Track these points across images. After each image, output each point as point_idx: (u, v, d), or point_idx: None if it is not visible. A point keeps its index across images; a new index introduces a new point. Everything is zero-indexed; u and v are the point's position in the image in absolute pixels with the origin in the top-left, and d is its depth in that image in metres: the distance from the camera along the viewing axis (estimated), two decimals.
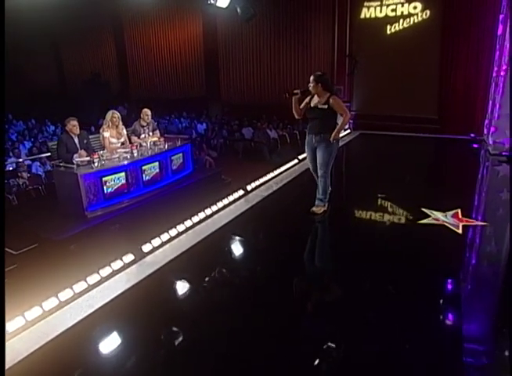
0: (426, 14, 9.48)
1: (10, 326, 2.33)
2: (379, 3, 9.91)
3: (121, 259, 3.03)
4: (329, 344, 2.27)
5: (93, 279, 2.79)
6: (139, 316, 2.63)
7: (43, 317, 2.46)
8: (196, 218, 4.00)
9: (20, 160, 6.72)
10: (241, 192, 4.92)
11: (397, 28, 9.84)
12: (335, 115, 4.05)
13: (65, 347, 2.31)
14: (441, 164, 7.70)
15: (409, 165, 6.93)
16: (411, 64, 9.65)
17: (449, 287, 2.97)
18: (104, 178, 4.34)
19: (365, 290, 2.88)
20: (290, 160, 6.57)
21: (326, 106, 3.96)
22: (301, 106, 4.15)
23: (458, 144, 8.66)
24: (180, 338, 2.39)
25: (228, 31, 12.49)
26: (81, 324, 2.48)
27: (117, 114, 4.97)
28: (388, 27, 9.90)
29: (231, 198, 4.65)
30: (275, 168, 6.06)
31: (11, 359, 2.14)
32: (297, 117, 4.21)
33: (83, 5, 12.84)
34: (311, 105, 4.09)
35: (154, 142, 5.12)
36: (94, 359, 2.27)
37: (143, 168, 4.81)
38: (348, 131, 10.33)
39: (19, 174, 6.10)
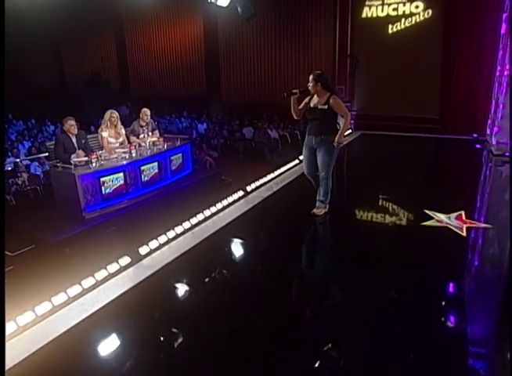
0: (428, 13, 9.41)
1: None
2: (380, 2, 9.85)
3: (117, 262, 2.97)
4: (330, 345, 2.25)
5: (88, 282, 2.72)
6: (136, 321, 2.57)
7: (35, 322, 2.40)
8: (194, 220, 3.94)
9: (17, 160, 6.67)
10: (241, 193, 4.85)
11: (398, 28, 9.77)
12: (335, 115, 3.94)
13: (57, 354, 2.25)
14: (443, 164, 7.62)
15: (411, 166, 6.86)
16: (413, 64, 9.59)
17: (453, 290, 2.92)
18: (102, 179, 4.28)
19: (366, 292, 2.83)
20: (291, 161, 6.50)
21: (326, 107, 3.84)
22: (300, 106, 4.04)
23: (460, 144, 8.59)
24: (179, 342, 2.34)
25: (229, 31, 12.43)
26: (74, 330, 2.42)
27: (116, 114, 4.91)
28: (390, 26, 9.84)
29: (231, 199, 4.59)
30: (276, 169, 6.00)
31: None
32: (295, 117, 4.09)
33: (83, 5, 12.80)
34: (311, 105, 3.97)
35: (153, 142, 5.06)
36: (87, 367, 2.21)
37: (142, 168, 4.75)
38: (350, 131, 10.25)
39: (19, 174, 6.06)
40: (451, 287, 2.92)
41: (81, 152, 4.50)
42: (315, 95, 3.95)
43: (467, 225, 3.82)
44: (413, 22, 9.58)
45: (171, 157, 5.23)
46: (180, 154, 5.42)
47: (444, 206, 4.24)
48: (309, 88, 3.91)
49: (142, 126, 5.34)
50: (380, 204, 4.70)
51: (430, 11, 9.36)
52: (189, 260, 3.37)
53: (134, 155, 4.66)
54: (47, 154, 5.53)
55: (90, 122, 10.01)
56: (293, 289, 2.95)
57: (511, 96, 6.66)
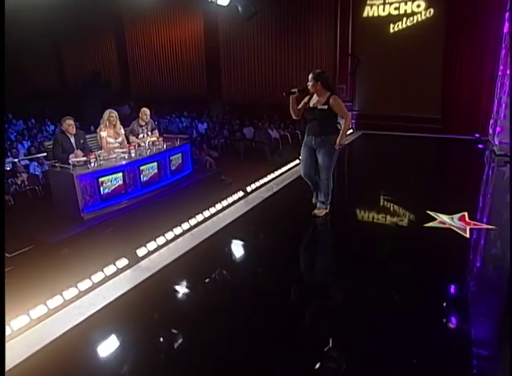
0: (429, 12, 9.35)
1: None
2: (382, 1, 9.79)
3: (115, 264, 2.92)
4: (330, 346, 2.25)
5: (85, 285, 2.68)
6: (134, 323, 2.53)
7: (30, 326, 2.35)
8: (193, 221, 3.89)
9: (16, 160, 6.63)
10: (241, 193, 4.81)
11: (400, 27, 9.71)
12: (336, 116, 3.83)
13: (53, 358, 2.20)
14: (445, 164, 7.57)
15: (413, 166, 6.80)
16: (414, 63, 9.53)
17: (456, 291, 2.87)
18: (101, 179, 4.24)
19: (367, 293, 2.80)
20: (292, 161, 6.45)
21: (325, 107, 3.74)
22: (299, 106, 3.93)
23: (462, 144, 8.53)
24: (178, 344, 2.30)
25: (230, 30, 12.38)
26: (69, 333, 2.37)
27: (115, 114, 4.86)
28: (391, 25, 9.77)
29: (231, 200, 4.54)
30: (277, 169, 5.95)
31: None
32: (294, 117, 4.00)
33: (83, 4, 12.78)
34: (310, 105, 3.87)
35: (153, 142, 5.02)
36: (84, 372, 2.16)
37: (141, 168, 4.70)
38: (351, 131, 10.20)
39: (18, 174, 6.03)
40: (453, 289, 2.88)
41: (79, 152, 4.45)
42: (315, 95, 3.85)
43: (471, 226, 3.77)
44: (415, 21, 9.51)
45: (171, 157, 5.18)
46: (180, 154, 5.37)
47: (446, 207, 4.18)
48: (309, 87, 3.81)
49: (141, 126, 5.29)
50: (382, 204, 4.65)
51: (431, 10, 9.30)
52: (188, 261, 3.32)
53: (133, 155, 4.62)
54: (45, 154, 5.50)
55: (90, 122, 9.97)
56: (293, 290, 2.93)
57: (511, 96, 6.62)
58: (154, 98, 13.56)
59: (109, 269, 2.89)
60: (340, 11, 10.37)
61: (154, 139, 5.12)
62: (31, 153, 7.51)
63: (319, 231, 4.08)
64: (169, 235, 3.57)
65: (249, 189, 4.99)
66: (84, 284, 2.67)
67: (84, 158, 4.27)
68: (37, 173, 6.46)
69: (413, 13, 9.49)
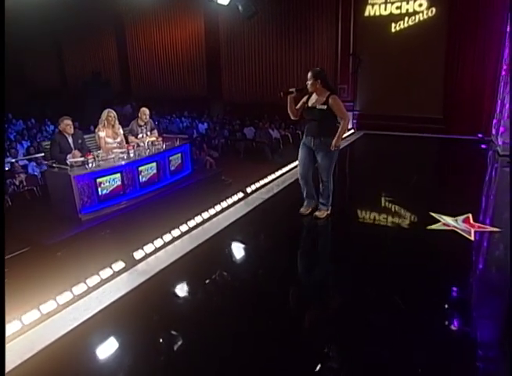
0: (431, 12, 9.28)
1: None
2: (383, 0, 9.73)
3: (111, 267, 2.85)
4: (331, 346, 2.24)
5: (79, 289, 2.61)
6: (131, 328, 2.47)
7: (22, 332, 2.28)
8: (192, 223, 3.82)
9: (13, 160, 6.58)
10: (241, 194, 4.74)
11: (402, 26, 9.65)
12: (335, 116, 3.69)
13: (46, 365, 2.14)
14: (448, 165, 7.48)
15: (415, 167, 6.73)
16: (416, 63, 9.47)
17: (459, 294, 2.82)
18: (98, 180, 4.18)
19: (369, 296, 2.75)
20: (293, 161, 6.37)
21: (325, 107, 3.60)
22: (298, 106, 3.81)
23: (465, 145, 8.46)
24: (177, 346, 2.24)
25: (230, 29, 12.33)
26: (63, 339, 2.30)
27: (113, 113, 4.80)
28: (393, 25, 9.71)
29: (230, 201, 4.48)
30: (277, 169, 5.88)
31: None
32: (292, 117, 3.88)
33: (84, 4, 12.75)
34: (309, 105, 3.74)
35: (152, 142, 4.96)
36: None
37: (140, 168, 4.64)
38: (352, 131, 10.14)
39: (17, 175, 5.97)
40: (457, 292, 2.83)
41: (77, 152, 4.40)
42: (314, 94, 3.73)
43: (476, 229, 3.69)
44: (417, 20, 9.45)
45: (170, 158, 5.12)
46: (179, 154, 5.31)
47: (450, 208, 4.11)
48: (308, 86, 3.68)
49: (140, 126, 5.23)
50: (384, 206, 4.59)
51: (433, 9, 9.23)
52: (187, 264, 3.27)
53: (131, 155, 4.56)
54: (43, 154, 5.44)
55: (90, 122, 9.91)
56: (294, 291, 2.91)
57: (511, 96, 6.55)
58: (154, 98, 13.51)
59: (106, 273, 2.82)
60: (341, 10, 10.30)
61: (153, 139, 5.07)
62: (30, 154, 7.46)
63: (320, 233, 4.02)
64: (167, 237, 3.50)
65: (249, 190, 4.92)
66: (80, 288, 2.61)
67: (82, 158, 4.21)
68: (35, 173, 6.41)
69: (415, 12, 9.42)
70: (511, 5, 7.15)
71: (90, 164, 4.12)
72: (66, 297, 2.52)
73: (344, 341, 2.31)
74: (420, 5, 9.34)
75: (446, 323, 2.45)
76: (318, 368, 2.07)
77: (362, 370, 2.10)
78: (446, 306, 2.64)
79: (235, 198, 4.58)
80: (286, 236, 3.88)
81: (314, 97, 3.74)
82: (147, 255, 3.25)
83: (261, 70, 12.36)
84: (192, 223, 3.83)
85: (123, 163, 4.43)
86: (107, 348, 2.32)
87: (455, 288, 2.86)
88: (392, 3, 9.64)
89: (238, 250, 3.67)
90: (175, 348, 2.25)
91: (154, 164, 4.84)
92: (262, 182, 5.26)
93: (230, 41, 12.58)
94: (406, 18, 9.54)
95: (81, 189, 4.04)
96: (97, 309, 2.57)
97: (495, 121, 8.28)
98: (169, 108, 13.13)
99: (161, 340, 2.33)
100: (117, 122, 4.87)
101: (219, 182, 5.83)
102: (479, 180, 5.93)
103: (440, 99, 9.47)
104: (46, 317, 2.41)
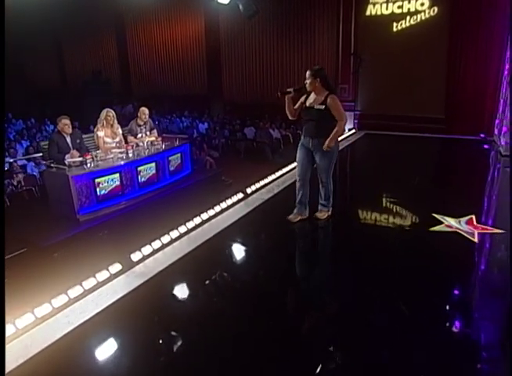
0: (433, 11, 9.21)
1: None
2: (385, 0, 9.66)
3: (108, 269, 2.80)
4: (331, 347, 2.23)
5: (75, 291, 2.56)
6: (128, 330, 2.43)
7: (16, 336, 2.23)
8: (191, 224, 3.76)
9: (11, 160, 6.54)
10: (241, 195, 4.69)
11: (403, 25, 9.57)
12: (334, 116, 3.58)
13: (41, 370, 2.09)
14: (450, 165, 7.41)
15: (417, 167, 6.66)
16: (418, 62, 9.40)
17: (462, 298, 2.78)
18: (97, 180, 4.14)
19: (369, 297, 2.72)
20: (293, 161, 6.30)
21: (323, 107, 3.50)
22: (296, 105, 3.73)
23: (467, 145, 8.39)
24: (176, 348, 2.20)
25: (231, 29, 12.28)
26: (58, 343, 2.25)
27: (112, 113, 4.76)
28: (394, 24, 9.63)
29: (230, 202, 4.43)
30: (277, 170, 5.83)
31: None
32: (290, 117, 3.79)
33: (84, 3, 12.72)
34: (307, 104, 3.65)
35: (151, 142, 4.92)
36: None
37: (139, 168, 4.61)
38: (353, 131, 10.08)
39: (15, 175, 5.93)
40: (459, 293, 2.80)
41: (75, 152, 4.35)
42: (312, 94, 3.63)
43: (479, 230, 3.63)
44: (418, 20, 9.37)
45: (170, 158, 5.09)
46: (179, 154, 5.27)
47: (453, 209, 4.05)
48: (306, 85, 3.57)
49: (139, 125, 5.19)
50: (385, 206, 4.53)
51: (435, 8, 9.16)
52: (186, 265, 3.22)
53: (130, 155, 4.53)
54: (42, 154, 5.41)
55: (90, 121, 9.87)
56: (295, 292, 2.89)
57: (511, 96, 6.49)
58: (155, 97, 13.47)
59: (102, 275, 2.77)
60: (342, 9, 10.23)
61: (153, 138, 5.03)
62: (29, 153, 7.43)
63: (321, 233, 3.97)
64: (165, 239, 3.45)
65: (249, 190, 4.87)
66: (76, 291, 2.56)
67: (80, 158, 4.17)
68: (34, 173, 6.37)
69: (417, 12, 9.35)
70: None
71: (88, 164, 4.09)
72: (61, 300, 2.47)
73: (344, 342, 2.31)
74: (422, 5, 9.27)
75: (447, 323, 2.42)
76: (318, 368, 2.06)
77: (362, 370, 2.09)
78: (447, 307, 2.61)
79: (235, 198, 4.53)
80: (287, 236, 3.83)
81: (312, 96, 3.64)
82: (145, 257, 3.20)
83: (261, 69, 12.31)
84: (191, 224, 3.78)
85: (122, 163, 4.39)
86: (105, 352, 2.27)
87: (457, 289, 2.82)
88: (394, 2, 9.57)
89: (238, 251, 3.62)
90: (175, 349, 2.23)
91: (153, 165, 4.80)
92: (262, 183, 5.21)
93: (231, 41, 12.52)
94: (408, 17, 9.47)
95: (79, 190, 4.00)
96: (94, 312, 2.52)
97: (497, 121, 8.21)
98: (169, 108, 13.10)
99: (160, 341, 2.30)
100: (115, 122, 4.82)
101: (219, 183, 5.79)
102: (481, 181, 5.87)
103: (442, 98, 9.40)
104: (41, 321, 2.36)
